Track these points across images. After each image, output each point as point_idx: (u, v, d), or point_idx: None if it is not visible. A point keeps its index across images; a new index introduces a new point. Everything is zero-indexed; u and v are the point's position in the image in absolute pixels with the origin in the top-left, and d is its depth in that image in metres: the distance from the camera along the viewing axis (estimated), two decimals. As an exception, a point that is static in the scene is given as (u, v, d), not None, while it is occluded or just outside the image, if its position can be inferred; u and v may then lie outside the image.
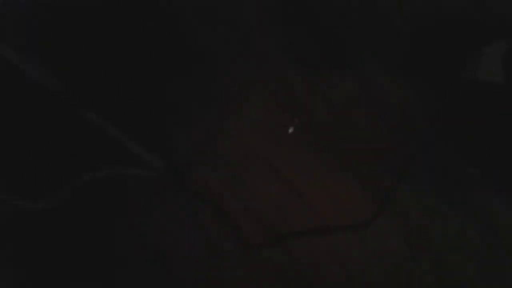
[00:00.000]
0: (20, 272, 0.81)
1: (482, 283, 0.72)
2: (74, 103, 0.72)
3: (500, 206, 0.73)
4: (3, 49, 0.67)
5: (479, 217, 0.73)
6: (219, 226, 0.77)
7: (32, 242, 0.83)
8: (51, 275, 0.81)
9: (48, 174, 0.82)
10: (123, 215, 0.80)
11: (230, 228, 0.76)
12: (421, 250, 0.74)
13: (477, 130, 0.69)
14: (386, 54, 0.77)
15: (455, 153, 0.74)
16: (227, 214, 0.77)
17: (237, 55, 0.79)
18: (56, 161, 0.82)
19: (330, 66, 0.78)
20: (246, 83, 0.79)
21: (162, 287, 0.78)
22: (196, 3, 0.81)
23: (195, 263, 0.77)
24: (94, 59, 0.78)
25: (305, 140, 0.78)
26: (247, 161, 0.77)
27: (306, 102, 0.78)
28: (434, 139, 0.74)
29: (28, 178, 0.82)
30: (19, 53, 0.69)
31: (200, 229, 0.78)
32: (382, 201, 0.72)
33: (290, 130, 0.78)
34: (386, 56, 0.77)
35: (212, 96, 0.79)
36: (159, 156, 0.77)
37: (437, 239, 0.74)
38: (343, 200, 0.76)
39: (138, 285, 0.78)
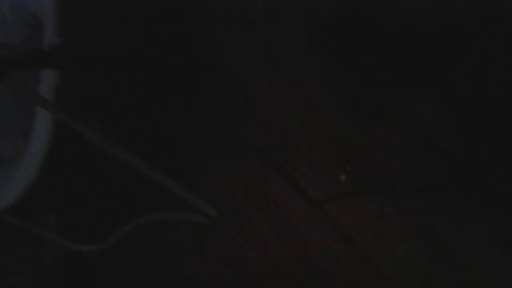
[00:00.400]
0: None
1: None
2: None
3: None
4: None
5: None
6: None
7: (82, 282, 0.85)
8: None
9: (103, 217, 0.82)
10: (174, 257, 0.81)
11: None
12: None
13: None
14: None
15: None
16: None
17: (282, 99, 0.76)
18: (109, 205, 0.82)
19: (382, 108, 0.75)
20: (294, 130, 0.77)
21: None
22: (238, 49, 0.77)
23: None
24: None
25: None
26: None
27: (359, 147, 0.76)
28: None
29: (82, 222, 0.83)
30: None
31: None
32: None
33: (342, 177, 0.77)
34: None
35: (263, 143, 0.78)
36: (213, 205, 0.77)
37: None
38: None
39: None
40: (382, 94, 0.74)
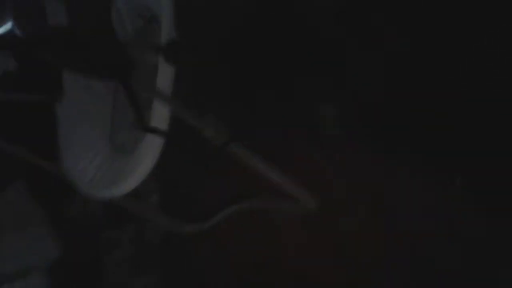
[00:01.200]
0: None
1: None
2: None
3: None
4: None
5: None
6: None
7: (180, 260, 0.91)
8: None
9: (204, 201, 0.86)
10: (270, 245, 0.84)
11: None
12: None
13: None
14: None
15: None
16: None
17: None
18: (211, 190, 0.86)
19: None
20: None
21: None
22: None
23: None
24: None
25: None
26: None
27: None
28: None
29: (183, 205, 0.88)
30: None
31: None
32: None
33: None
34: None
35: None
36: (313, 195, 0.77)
37: None
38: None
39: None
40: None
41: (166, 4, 0.70)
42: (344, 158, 0.77)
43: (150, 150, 0.67)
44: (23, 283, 0.92)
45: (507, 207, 0.63)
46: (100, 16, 0.63)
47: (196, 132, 0.71)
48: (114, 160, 0.70)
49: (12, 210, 0.93)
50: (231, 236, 0.86)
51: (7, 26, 0.50)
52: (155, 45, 0.71)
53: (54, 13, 0.54)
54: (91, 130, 0.71)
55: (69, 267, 0.93)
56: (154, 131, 0.65)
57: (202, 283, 0.89)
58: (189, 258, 0.88)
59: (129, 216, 0.90)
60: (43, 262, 0.94)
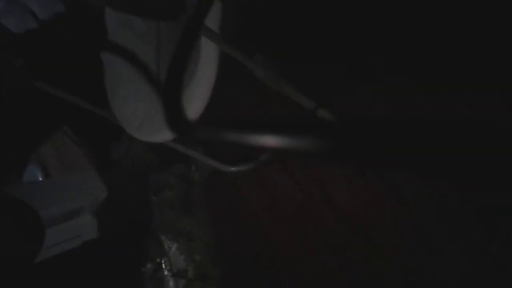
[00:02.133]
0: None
1: None
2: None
3: None
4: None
5: None
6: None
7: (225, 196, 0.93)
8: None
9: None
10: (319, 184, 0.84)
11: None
12: None
13: None
14: None
15: None
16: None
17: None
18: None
19: None
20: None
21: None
22: None
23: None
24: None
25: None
26: None
27: None
28: None
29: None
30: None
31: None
32: None
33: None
34: None
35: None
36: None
37: None
38: None
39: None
40: None
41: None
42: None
43: (199, 92, 0.66)
44: (72, 224, 0.95)
45: None
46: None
47: (246, 72, 0.69)
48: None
49: (60, 153, 0.94)
50: (276, 174, 0.87)
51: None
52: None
53: None
54: (138, 72, 0.70)
55: (117, 207, 0.96)
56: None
57: (246, 220, 0.92)
58: (233, 197, 0.90)
59: (175, 157, 0.91)
60: (92, 203, 0.97)
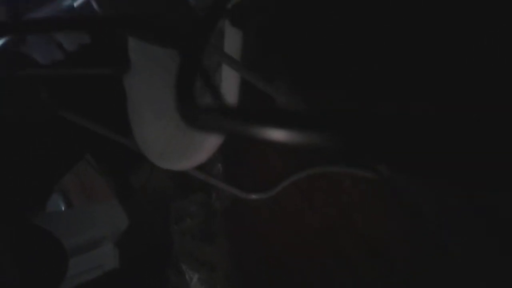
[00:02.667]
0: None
1: None
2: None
3: None
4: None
5: None
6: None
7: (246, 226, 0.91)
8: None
9: (269, 167, 0.86)
10: (338, 209, 0.83)
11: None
12: None
13: None
14: None
15: None
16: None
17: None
18: (276, 156, 0.85)
19: None
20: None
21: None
22: None
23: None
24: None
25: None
26: None
27: None
28: None
29: (247, 172, 0.88)
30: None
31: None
32: None
33: None
34: None
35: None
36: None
37: None
38: None
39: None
40: None
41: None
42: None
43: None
44: (93, 254, 0.95)
45: None
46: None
47: (266, 99, 0.69)
48: (184, 131, 0.70)
49: (82, 182, 0.95)
50: (296, 201, 0.86)
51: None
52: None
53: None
54: (160, 100, 0.71)
55: (138, 236, 0.96)
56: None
57: (267, 248, 0.90)
58: (254, 225, 0.89)
59: (195, 185, 0.90)
60: (113, 232, 0.97)
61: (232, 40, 0.67)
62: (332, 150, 0.18)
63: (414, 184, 0.74)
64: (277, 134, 0.18)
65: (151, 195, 0.98)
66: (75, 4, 0.54)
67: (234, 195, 0.88)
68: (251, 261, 0.92)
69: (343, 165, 0.80)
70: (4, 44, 0.56)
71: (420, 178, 0.16)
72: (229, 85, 0.67)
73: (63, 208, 1.02)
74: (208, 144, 0.69)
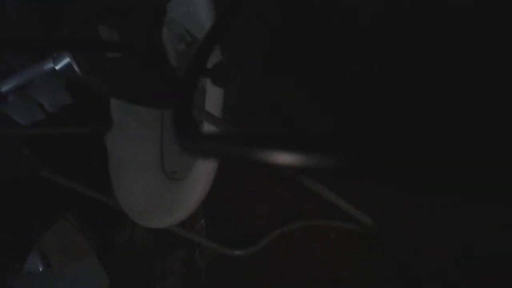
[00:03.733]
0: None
1: None
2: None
3: None
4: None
5: None
6: None
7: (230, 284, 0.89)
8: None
9: (251, 222, 0.85)
10: (323, 263, 0.81)
11: None
12: None
13: None
14: None
15: None
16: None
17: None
18: (259, 210, 0.84)
19: None
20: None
21: None
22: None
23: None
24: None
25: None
26: None
27: None
28: None
29: (230, 227, 0.86)
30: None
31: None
32: None
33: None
34: None
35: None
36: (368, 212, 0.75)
37: None
38: None
39: None
40: None
41: (208, 27, 0.69)
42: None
43: (202, 177, 0.66)
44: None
45: None
46: (152, 42, 0.62)
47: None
48: (166, 188, 0.69)
49: (61, 240, 0.93)
50: (281, 255, 0.85)
51: (65, 61, 0.50)
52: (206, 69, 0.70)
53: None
54: (141, 158, 0.70)
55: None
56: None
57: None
58: (239, 281, 0.87)
59: (178, 242, 0.89)
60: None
61: (213, 98, 0.68)
62: (338, 172, 0.17)
63: (398, 234, 0.74)
64: (279, 157, 0.18)
65: (133, 252, 0.96)
66: (57, 67, 0.55)
67: (218, 251, 0.86)
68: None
69: (329, 218, 0.80)
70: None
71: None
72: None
73: (41, 269, 0.98)
74: (191, 201, 0.68)
